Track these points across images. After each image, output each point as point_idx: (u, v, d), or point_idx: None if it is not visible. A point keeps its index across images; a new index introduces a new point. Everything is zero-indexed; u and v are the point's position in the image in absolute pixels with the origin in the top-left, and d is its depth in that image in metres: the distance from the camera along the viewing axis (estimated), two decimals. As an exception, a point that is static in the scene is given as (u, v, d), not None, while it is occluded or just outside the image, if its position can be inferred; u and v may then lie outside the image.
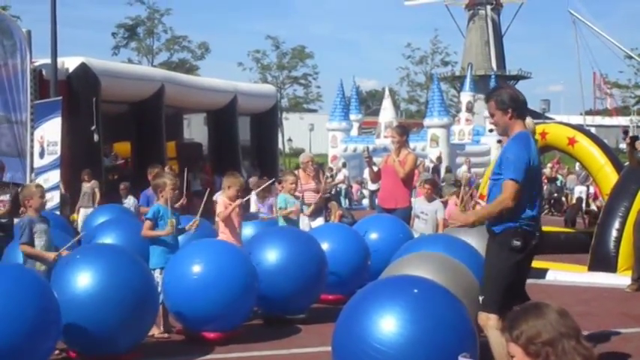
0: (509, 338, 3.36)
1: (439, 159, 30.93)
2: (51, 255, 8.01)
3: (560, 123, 15.75)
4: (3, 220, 10.29)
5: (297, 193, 11.73)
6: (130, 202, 16.32)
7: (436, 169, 28.85)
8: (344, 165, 33.16)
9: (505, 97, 6.31)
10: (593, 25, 41.19)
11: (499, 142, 31.06)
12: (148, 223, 8.91)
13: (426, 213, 12.06)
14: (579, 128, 16.10)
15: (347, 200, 30.97)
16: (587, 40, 41.33)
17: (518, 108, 6.33)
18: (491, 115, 6.45)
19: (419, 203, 12.39)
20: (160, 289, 8.35)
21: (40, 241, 8.13)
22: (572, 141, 14.47)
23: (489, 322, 6.10)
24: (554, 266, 13.23)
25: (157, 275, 8.53)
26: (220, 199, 10.09)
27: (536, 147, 6.39)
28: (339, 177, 31.00)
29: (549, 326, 3.28)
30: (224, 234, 9.80)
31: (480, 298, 6.27)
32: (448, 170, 28.97)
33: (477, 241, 8.20)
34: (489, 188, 6.67)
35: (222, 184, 10.94)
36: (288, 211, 11.01)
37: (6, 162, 11.56)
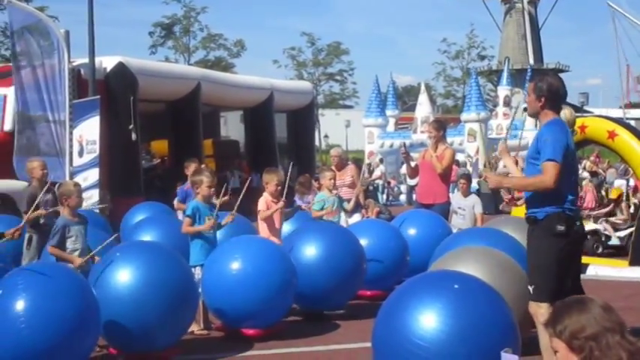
0: (553, 333, 3.33)
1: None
2: (76, 261, 8.02)
3: (599, 116, 15.53)
4: (42, 221, 10.35)
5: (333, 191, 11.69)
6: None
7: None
8: (381, 161, 33.08)
9: (544, 85, 6.36)
10: (633, 17, 40.66)
11: (525, 110, 30.82)
12: (187, 220, 8.95)
13: (464, 208, 12.04)
14: (619, 121, 15.89)
15: (384, 196, 30.92)
16: (627, 32, 40.84)
17: (551, 100, 6.35)
18: (528, 94, 6.52)
19: (456, 199, 12.37)
20: (199, 285, 8.40)
21: (73, 244, 8.17)
22: (612, 134, 14.27)
23: (540, 310, 6.05)
24: (595, 261, 13.12)
25: (198, 272, 8.58)
26: (261, 199, 10.09)
27: (571, 137, 6.38)
28: (377, 173, 30.97)
29: (593, 321, 3.24)
30: (264, 232, 9.84)
31: (530, 288, 6.22)
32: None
33: (518, 233, 8.15)
34: (524, 173, 6.68)
35: (259, 181, 10.93)
36: (320, 214, 10.97)
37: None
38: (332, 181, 11.33)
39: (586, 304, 3.32)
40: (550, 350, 5.77)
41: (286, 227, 11.08)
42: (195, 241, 8.93)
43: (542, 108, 6.34)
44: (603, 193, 28.44)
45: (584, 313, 3.28)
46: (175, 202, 13.35)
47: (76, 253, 8.16)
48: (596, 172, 29.31)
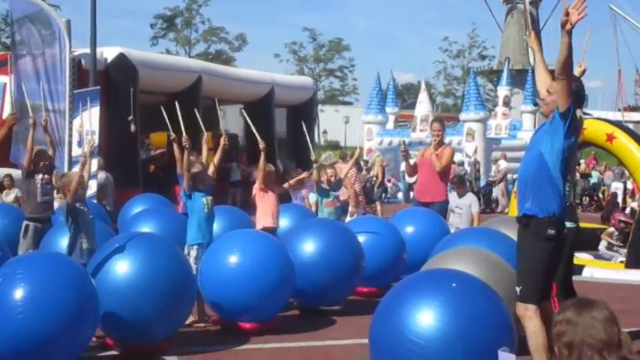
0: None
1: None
2: None
3: (598, 119, 15.53)
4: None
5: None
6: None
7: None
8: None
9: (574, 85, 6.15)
10: (634, 21, 40.65)
11: (535, 105, 30.90)
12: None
13: (461, 207, 12.09)
14: (618, 124, 15.91)
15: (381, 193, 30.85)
16: (627, 35, 40.75)
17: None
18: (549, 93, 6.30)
19: (453, 198, 12.40)
20: (193, 266, 8.47)
21: (84, 221, 8.25)
22: (610, 137, 14.29)
23: (527, 312, 6.06)
24: (590, 263, 13.15)
25: (192, 254, 8.71)
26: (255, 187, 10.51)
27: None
28: (373, 170, 30.94)
29: (578, 329, 3.16)
30: (261, 213, 10.26)
31: (518, 289, 6.23)
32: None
33: (515, 233, 8.16)
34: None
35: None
36: (333, 203, 11.15)
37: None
38: (332, 177, 11.45)
39: (583, 311, 3.23)
40: (540, 352, 5.82)
41: (284, 222, 11.10)
42: (192, 221, 8.98)
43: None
44: (600, 195, 28.65)
45: (575, 317, 3.21)
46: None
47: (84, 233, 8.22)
48: (588, 175, 29.43)
